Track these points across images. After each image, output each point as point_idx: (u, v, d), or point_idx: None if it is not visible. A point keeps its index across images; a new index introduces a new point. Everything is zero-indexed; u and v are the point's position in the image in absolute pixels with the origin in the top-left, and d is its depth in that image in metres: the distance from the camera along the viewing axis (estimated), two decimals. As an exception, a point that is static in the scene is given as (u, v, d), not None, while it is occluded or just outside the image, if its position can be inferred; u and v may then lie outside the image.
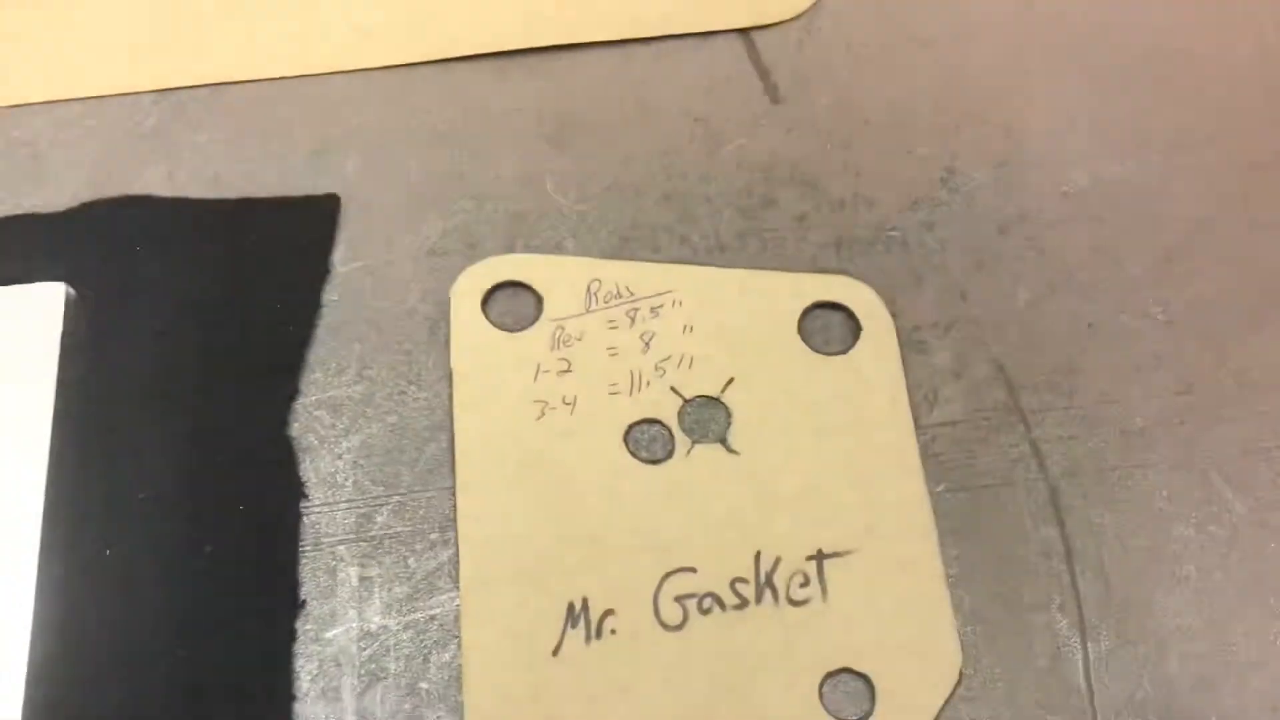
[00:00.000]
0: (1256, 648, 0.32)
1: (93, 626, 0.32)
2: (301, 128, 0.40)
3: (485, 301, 0.37)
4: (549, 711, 0.31)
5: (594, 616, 0.32)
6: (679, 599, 0.32)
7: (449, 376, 0.36)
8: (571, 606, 0.32)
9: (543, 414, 0.35)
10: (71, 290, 0.36)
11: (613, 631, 0.32)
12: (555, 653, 0.32)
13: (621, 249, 0.38)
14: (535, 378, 0.35)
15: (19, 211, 0.38)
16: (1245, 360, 0.36)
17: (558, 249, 0.38)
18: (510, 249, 0.38)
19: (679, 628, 0.32)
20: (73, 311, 0.35)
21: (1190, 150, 0.40)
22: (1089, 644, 0.32)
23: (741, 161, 0.40)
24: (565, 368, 0.36)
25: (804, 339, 0.36)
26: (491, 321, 0.36)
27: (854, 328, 0.36)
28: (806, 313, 0.37)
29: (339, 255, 0.38)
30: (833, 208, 0.39)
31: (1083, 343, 0.36)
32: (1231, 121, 0.40)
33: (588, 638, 0.32)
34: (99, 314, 0.36)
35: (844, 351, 0.36)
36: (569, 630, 0.32)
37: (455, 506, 0.34)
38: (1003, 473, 0.34)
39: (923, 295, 0.37)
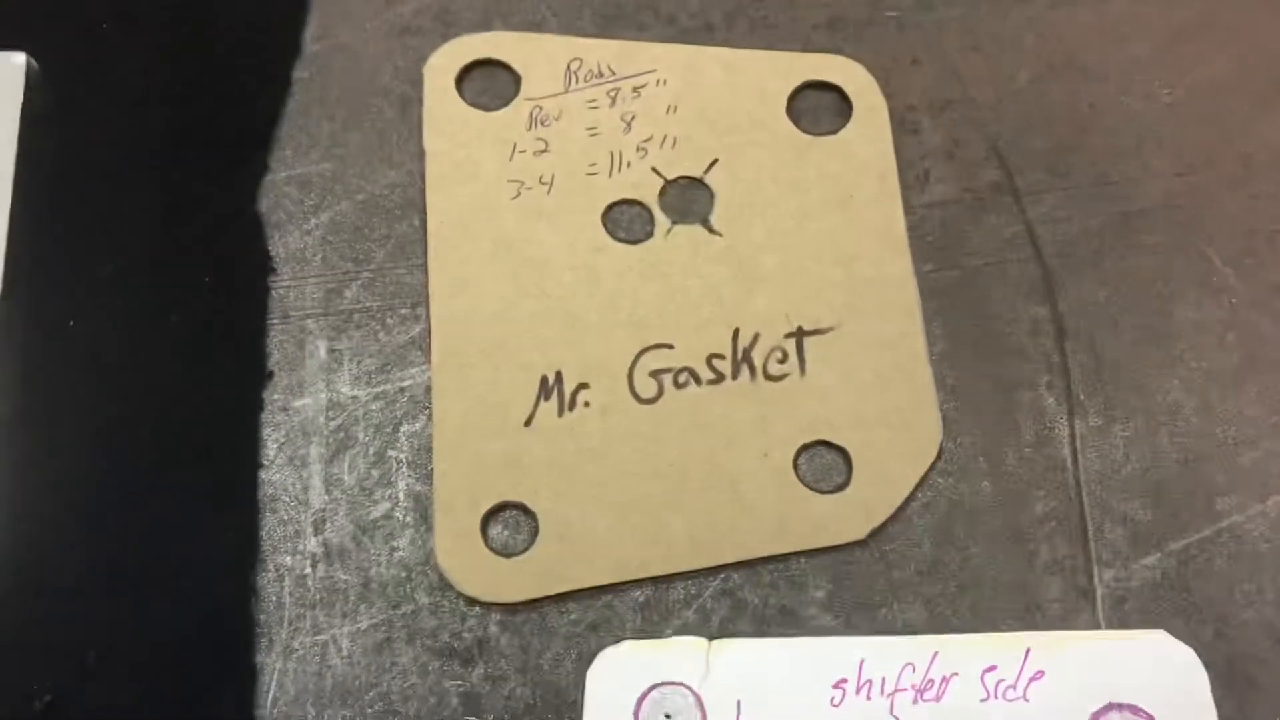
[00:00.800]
0: (1248, 427, 0.31)
1: (56, 396, 0.31)
2: (272, -95, 0.38)
3: (460, 80, 0.35)
4: (520, 478, 0.30)
5: (568, 389, 0.31)
6: (654, 374, 0.32)
7: (422, 155, 0.34)
8: (545, 380, 0.31)
9: (519, 194, 0.34)
10: (34, 61, 0.34)
11: (586, 404, 0.31)
12: (527, 423, 0.31)
13: (605, 28, 0.36)
14: (511, 157, 0.34)
15: (-20, -11, 0.37)
16: (1250, 143, 0.35)
17: (537, 28, 0.36)
18: (487, 27, 0.36)
19: (653, 400, 0.31)
20: (35, 82, 0.34)
21: (1206, -69, 0.38)
22: (1076, 420, 0.31)
23: (732, -60, 0.38)
24: (543, 148, 0.34)
25: (793, 119, 0.35)
26: (466, 100, 0.35)
27: (845, 108, 0.35)
28: (796, 93, 0.35)
29: (310, 33, 0.36)
30: (826, -12, 0.37)
31: (1083, 123, 0.35)
32: (1251, -99, 0.38)
33: (560, 410, 0.31)
34: (65, 89, 0.35)
35: (834, 132, 0.35)
36: (542, 402, 0.31)
37: (427, 283, 0.33)
38: (994, 252, 0.33)
39: (918, 76, 0.36)
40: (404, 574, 0.30)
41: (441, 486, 0.30)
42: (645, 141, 0.34)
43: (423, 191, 0.34)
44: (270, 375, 0.32)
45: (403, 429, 0.31)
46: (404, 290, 0.33)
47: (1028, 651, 0.26)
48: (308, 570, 0.30)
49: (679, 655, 0.28)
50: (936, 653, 0.27)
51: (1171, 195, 0.34)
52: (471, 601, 0.29)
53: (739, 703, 0.26)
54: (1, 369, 0.31)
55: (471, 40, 0.36)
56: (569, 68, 0.35)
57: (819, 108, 0.35)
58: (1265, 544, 0.30)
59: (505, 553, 0.30)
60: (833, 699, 0.25)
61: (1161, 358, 0.32)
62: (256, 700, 0.28)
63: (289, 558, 0.30)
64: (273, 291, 0.33)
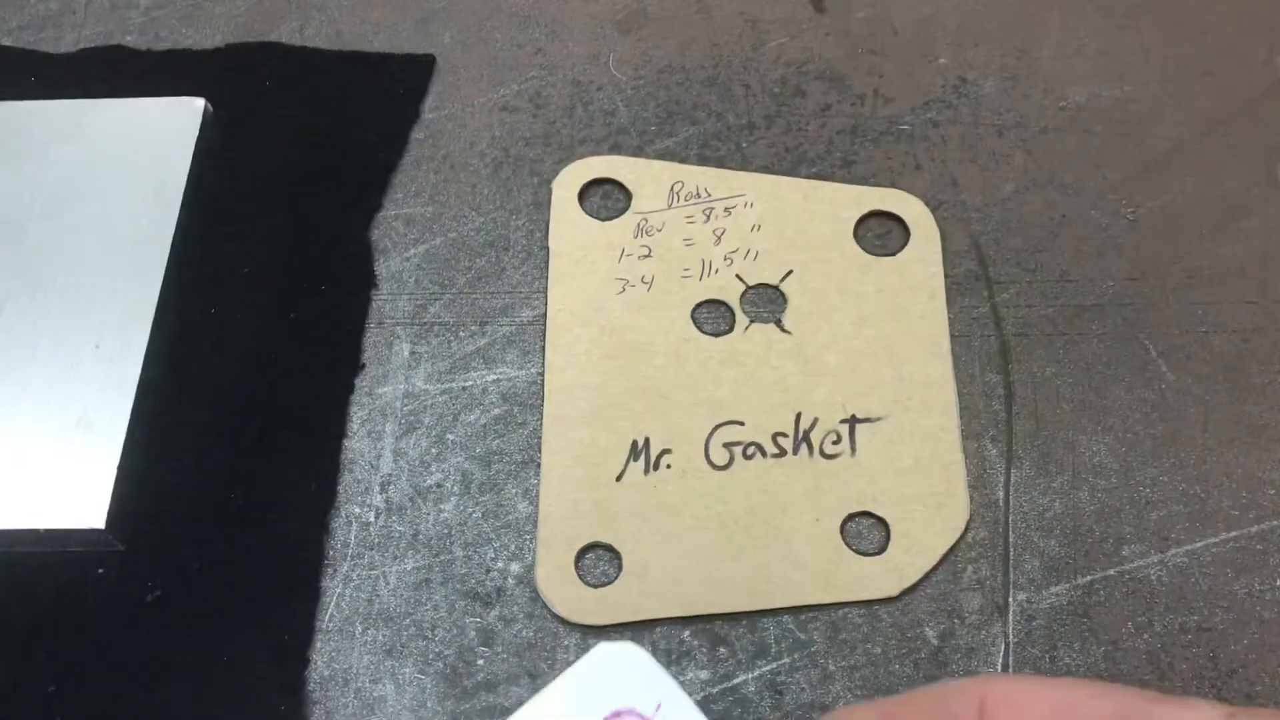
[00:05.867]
0: (1160, 490, 0.37)
1: (194, 366, 0.40)
2: (413, 2, 0.47)
3: (582, 194, 0.43)
4: (610, 524, 0.37)
5: (654, 453, 0.38)
6: (727, 445, 0.38)
7: (508, 209, 0.42)
8: (635, 443, 0.38)
9: (624, 290, 0.40)
10: (209, 106, 0.44)
11: (668, 466, 0.37)
12: (619, 479, 0.37)
13: (665, 121, 0.44)
14: (619, 260, 0.41)
15: (178, 47, 0.46)
16: (1198, 260, 0.41)
17: (611, 115, 0.44)
18: (571, 113, 0.44)
19: (725, 467, 0.37)
20: (208, 122, 0.43)
21: (1185, 80, 0.44)
22: (1012, 470, 0.37)
23: (780, 57, 0.46)
24: (646, 253, 0.41)
25: (858, 241, 0.41)
26: (586, 211, 0.42)
27: (904, 235, 0.41)
28: (863, 219, 0.42)
29: (428, 104, 0.45)
30: (854, 102, 0.44)
31: (1054, 230, 0.41)
32: (1230, 57, 0.45)
33: (646, 469, 0.37)
34: (230, 130, 0.44)
35: (893, 254, 0.41)
36: (631, 462, 0.38)
37: (543, 360, 0.40)
38: (962, 326, 0.40)
39: (919, 178, 0.43)
40: (446, 531, 0.37)
41: (545, 526, 0.37)
42: (732, 253, 0.41)
43: (504, 236, 0.42)
44: (362, 366, 0.40)
45: (460, 419, 0.39)
46: (475, 312, 0.41)
47: None
48: (371, 520, 0.37)
49: None
50: None
51: (1122, 295, 0.40)
52: (563, 621, 0.36)
53: None
54: (155, 341, 0.39)
55: (593, 162, 0.43)
56: (672, 188, 0.42)
57: (883, 232, 0.42)
58: (1161, 587, 0.35)
59: (594, 584, 0.36)
60: None
61: (1094, 427, 0.38)
62: (318, 614, 0.36)
63: (358, 508, 0.37)
64: (373, 302, 0.41)
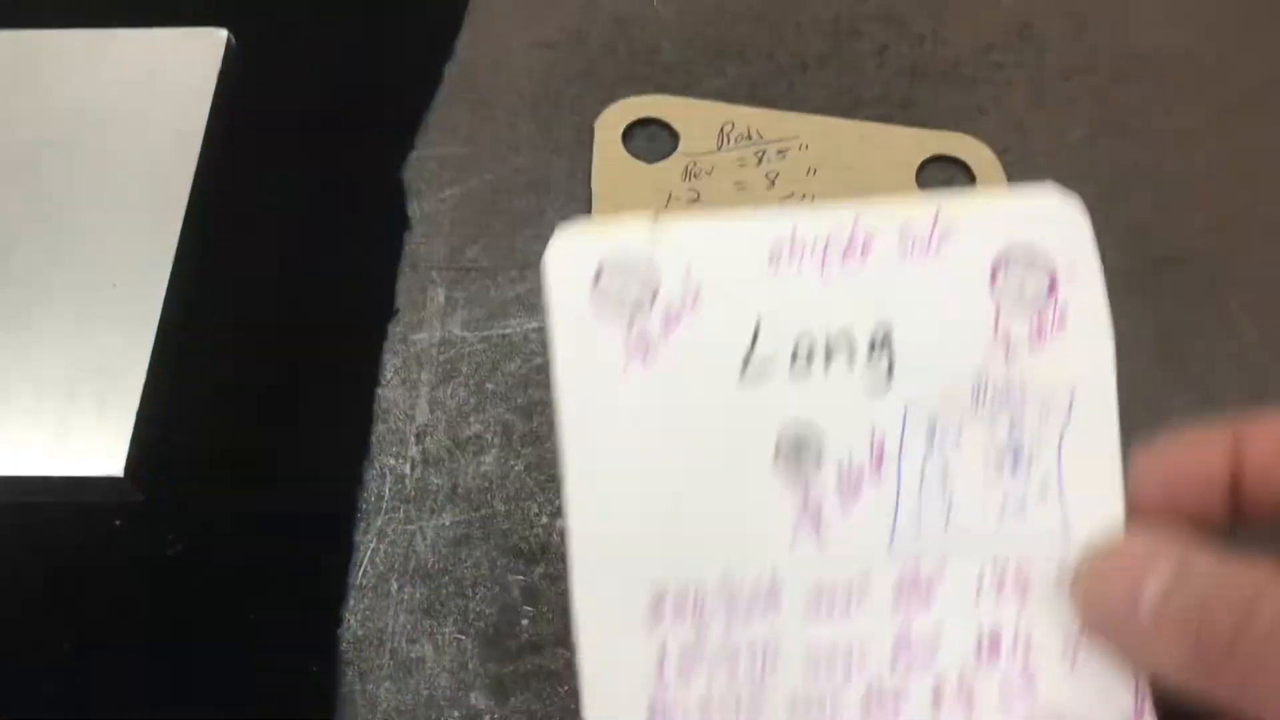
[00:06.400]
0: (1245, 449, 0.35)
1: (217, 309, 0.37)
2: (444, -67, 0.45)
3: (626, 135, 0.40)
4: None
5: None
6: None
7: (548, 148, 0.40)
8: None
9: None
10: (233, 37, 0.41)
11: None
12: None
13: (714, 60, 0.42)
14: (666, 203, 0.39)
15: (196, -22, 0.44)
16: (1276, 213, 0.38)
17: (654, 53, 0.42)
18: (614, 51, 0.42)
19: None
20: (231, 54, 0.41)
21: (1259, 28, 0.42)
22: (1088, 426, 0.35)
23: (834, -4, 0.43)
24: (694, 197, 0.39)
25: (921, 187, 0.39)
26: (630, 153, 0.40)
27: (968, 180, 0.39)
28: (925, 164, 0.39)
29: (463, 41, 0.43)
30: (912, 43, 0.42)
31: (1125, 178, 0.39)
32: (1305, 5, 0.43)
33: None
34: (254, 64, 0.42)
35: None
36: None
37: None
38: (1032, 277, 0.37)
39: (983, 124, 0.40)
40: (486, 484, 0.35)
41: None
42: (786, 198, 0.39)
43: (543, 176, 0.40)
44: (396, 312, 0.37)
45: (500, 367, 0.36)
46: (514, 256, 0.38)
47: (938, 213, 0.24)
48: (406, 471, 0.35)
49: (627, 233, 0.24)
50: (858, 216, 0.25)
51: (1200, 247, 0.38)
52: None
53: (688, 268, 0.24)
54: (175, 282, 0.37)
55: (638, 101, 0.41)
56: (722, 130, 0.40)
57: (945, 180, 0.40)
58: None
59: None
60: (771, 267, 0.24)
61: (1173, 381, 0.36)
62: (350, 571, 0.33)
63: (392, 459, 0.35)
64: (406, 245, 0.38)
